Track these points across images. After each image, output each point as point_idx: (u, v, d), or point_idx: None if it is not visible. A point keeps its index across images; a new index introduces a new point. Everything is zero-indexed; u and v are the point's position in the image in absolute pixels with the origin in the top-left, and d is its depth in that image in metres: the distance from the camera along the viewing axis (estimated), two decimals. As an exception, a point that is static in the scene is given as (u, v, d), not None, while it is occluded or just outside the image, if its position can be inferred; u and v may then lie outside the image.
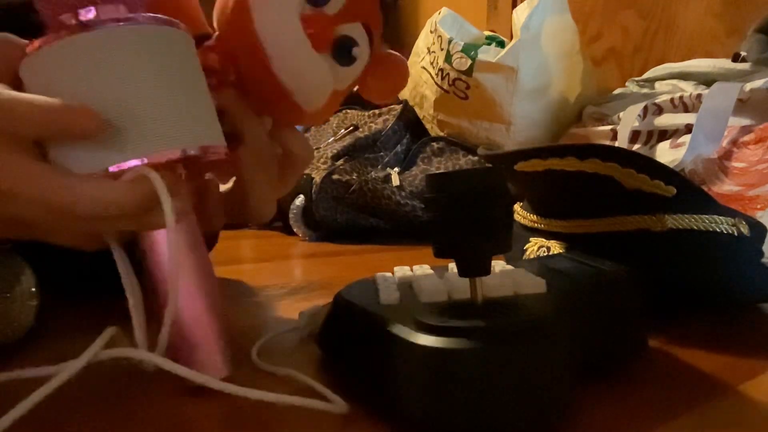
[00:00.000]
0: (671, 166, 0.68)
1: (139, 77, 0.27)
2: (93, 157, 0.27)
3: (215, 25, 0.35)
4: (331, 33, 0.34)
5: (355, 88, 0.38)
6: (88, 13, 0.27)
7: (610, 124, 0.90)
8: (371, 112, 1.12)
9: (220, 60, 0.34)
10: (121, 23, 0.27)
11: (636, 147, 0.82)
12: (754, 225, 0.39)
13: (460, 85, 0.98)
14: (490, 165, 0.49)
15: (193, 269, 0.30)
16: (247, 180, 0.35)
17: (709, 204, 0.38)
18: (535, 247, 0.45)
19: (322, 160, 0.99)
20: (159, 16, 0.29)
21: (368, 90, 0.38)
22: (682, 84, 0.90)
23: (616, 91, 1.00)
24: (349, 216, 0.95)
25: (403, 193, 0.92)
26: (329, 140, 1.09)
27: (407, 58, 1.14)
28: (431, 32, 1.05)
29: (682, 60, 0.96)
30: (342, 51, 0.34)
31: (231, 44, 0.34)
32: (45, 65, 0.27)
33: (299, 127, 0.41)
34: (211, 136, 0.29)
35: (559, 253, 0.41)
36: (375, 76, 0.38)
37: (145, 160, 0.27)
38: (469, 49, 0.96)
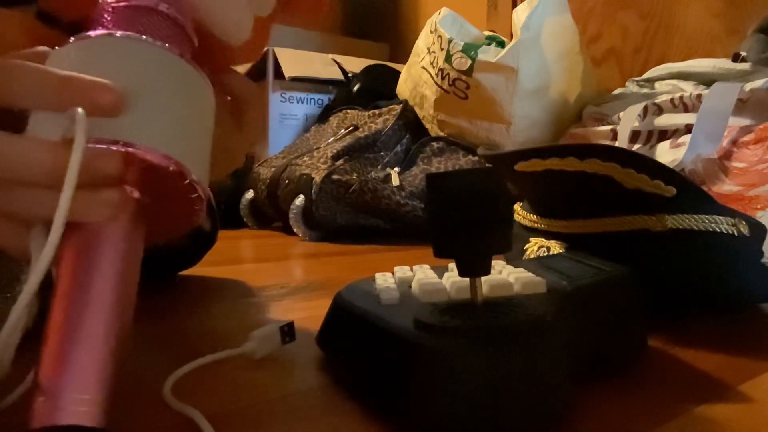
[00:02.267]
0: (671, 166, 0.68)
1: (150, 84, 0.27)
2: (60, 126, 0.25)
3: None
4: None
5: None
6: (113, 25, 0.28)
7: (610, 124, 0.90)
8: (371, 112, 1.12)
9: None
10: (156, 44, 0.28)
11: (636, 147, 0.82)
12: (754, 225, 0.39)
13: (460, 85, 0.98)
14: (489, 165, 0.49)
15: (106, 299, 0.24)
16: (219, 133, 0.34)
17: (709, 204, 0.38)
18: (535, 247, 0.45)
19: (322, 160, 0.99)
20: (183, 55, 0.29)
21: (290, 13, 0.37)
22: (682, 84, 0.91)
23: (616, 91, 1.00)
24: (349, 216, 0.96)
25: (403, 193, 0.92)
26: (329, 140, 1.09)
27: (407, 59, 1.14)
28: (431, 32, 1.05)
29: (682, 60, 0.96)
30: None
31: None
32: (65, 56, 0.27)
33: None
34: (196, 169, 0.28)
35: (559, 253, 0.41)
36: None
37: (122, 148, 0.25)
38: (469, 49, 0.96)
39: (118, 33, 0.28)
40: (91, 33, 0.28)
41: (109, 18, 0.29)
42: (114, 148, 0.25)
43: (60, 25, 0.33)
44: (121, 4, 0.29)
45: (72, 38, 0.28)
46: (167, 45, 0.28)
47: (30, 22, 0.32)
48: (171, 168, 0.26)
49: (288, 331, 0.35)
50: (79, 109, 0.24)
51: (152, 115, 0.27)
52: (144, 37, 0.28)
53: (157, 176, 0.27)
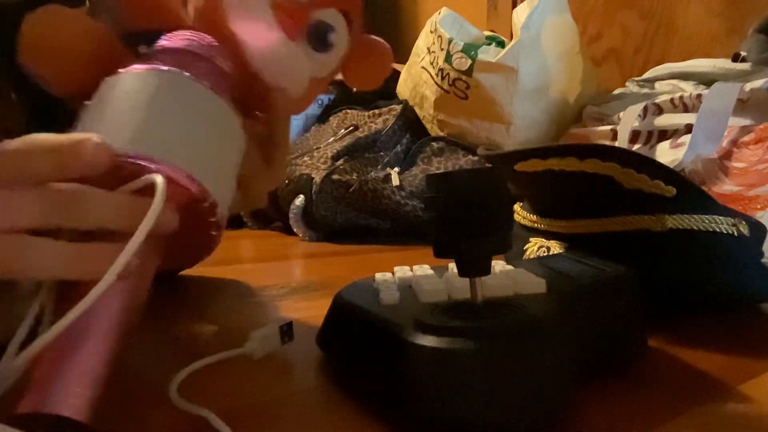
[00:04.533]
0: (671, 166, 0.68)
1: (180, 111, 0.29)
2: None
3: (192, 23, 0.35)
4: (305, 19, 0.34)
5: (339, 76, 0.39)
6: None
7: (610, 124, 0.90)
8: (371, 112, 1.12)
9: None
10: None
11: (636, 147, 0.82)
12: (754, 225, 0.39)
13: (460, 85, 0.98)
14: (490, 165, 0.49)
15: (112, 305, 0.25)
16: (247, 168, 0.35)
17: (709, 204, 0.38)
18: (535, 247, 0.45)
19: (322, 160, 0.99)
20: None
21: (352, 76, 0.38)
22: (682, 84, 0.90)
23: (616, 91, 1.00)
24: (349, 216, 0.95)
25: (403, 193, 0.92)
26: (329, 140, 1.09)
27: (407, 59, 1.14)
28: (431, 32, 1.05)
29: (682, 60, 0.96)
30: (317, 37, 0.34)
31: (214, 32, 0.34)
32: (115, 83, 0.30)
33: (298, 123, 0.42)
34: (216, 192, 0.29)
35: (559, 253, 0.41)
36: (358, 62, 0.37)
37: (152, 166, 0.26)
38: (469, 49, 0.96)
39: (164, 67, 0.30)
40: (137, 66, 0.30)
41: (160, 57, 0.32)
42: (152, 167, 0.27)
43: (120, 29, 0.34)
44: (171, 47, 0.32)
45: (121, 70, 0.30)
46: (207, 83, 0.31)
47: (95, 26, 0.32)
48: (193, 190, 0.28)
49: (287, 331, 0.35)
50: (159, 178, 0.25)
51: (179, 138, 0.28)
52: (184, 72, 0.30)
53: (181, 197, 0.28)
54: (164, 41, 0.33)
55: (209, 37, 0.33)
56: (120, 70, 0.30)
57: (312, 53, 0.34)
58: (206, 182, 0.28)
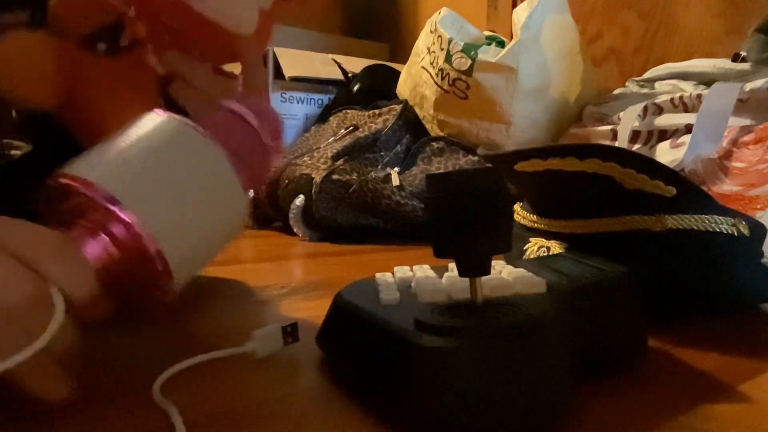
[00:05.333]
0: (671, 166, 0.68)
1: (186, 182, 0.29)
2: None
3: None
4: None
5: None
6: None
7: (610, 124, 0.90)
8: (371, 112, 1.12)
9: (148, 26, 0.34)
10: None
11: (636, 147, 0.82)
12: (754, 225, 0.39)
13: (460, 85, 0.98)
14: (490, 165, 0.49)
15: None
16: None
17: (709, 204, 0.38)
18: (535, 247, 0.45)
19: (322, 160, 0.99)
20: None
21: (290, 3, 0.39)
22: (682, 84, 0.90)
23: (616, 91, 1.00)
24: (349, 216, 0.95)
25: (403, 193, 0.92)
26: (329, 140, 1.09)
27: (407, 59, 1.14)
28: (431, 32, 1.05)
29: (682, 60, 0.96)
30: None
31: (150, 4, 0.34)
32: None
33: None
34: (180, 272, 0.29)
35: (559, 253, 0.41)
36: None
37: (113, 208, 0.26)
38: (469, 49, 0.96)
39: (181, 119, 0.30)
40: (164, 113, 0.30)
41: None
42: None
43: (73, 37, 0.34)
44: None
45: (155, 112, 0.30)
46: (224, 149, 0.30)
47: (53, 42, 0.34)
48: (150, 249, 0.27)
49: (291, 332, 0.34)
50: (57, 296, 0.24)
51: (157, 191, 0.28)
52: (166, 114, 0.30)
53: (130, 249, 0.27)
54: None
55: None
56: (152, 112, 0.31)
57: None
58: (169, 244, 0.27)
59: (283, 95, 1.31)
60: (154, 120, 0.30)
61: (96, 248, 0.26)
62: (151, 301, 0.30)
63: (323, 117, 1.27)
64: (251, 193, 1.09)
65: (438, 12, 1.06)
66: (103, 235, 0.26)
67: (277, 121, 0.33)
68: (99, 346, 0.36)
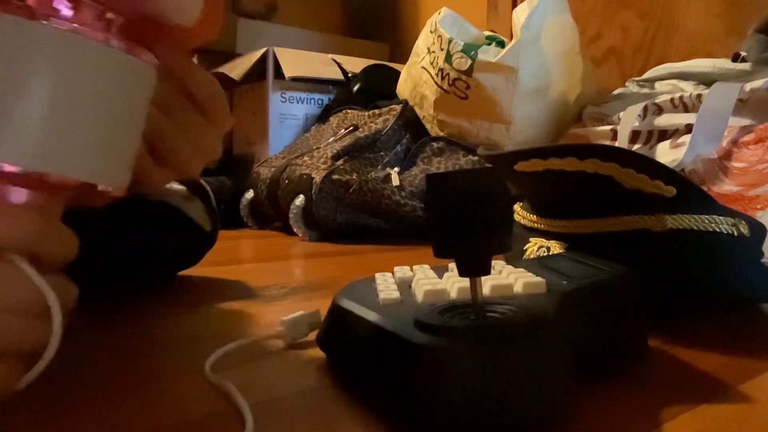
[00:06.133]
0: (671, 166, 0.68)
1: (63, 86, 0.24)
2: None
3: None
4: None
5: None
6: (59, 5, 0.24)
7: (610, 124, 0.90)
8: (371, 112, 1.12)
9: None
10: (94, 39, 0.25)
11: (636, 147, 0.82)
12: (754, 225, 0.39)
13: (460, 85, 0.98)
14: (490, 165, 0.49)
15: None
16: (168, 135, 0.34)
17: (709, 204, 0.38)
18: (535, 247, 0.45)
19: (322, 160, 0.99)
20: (129, 43, 0.26)
21: None
22: (682, 84, 0.91)
23: (616, 91, 1.00)
24: (349, 216, 0.96)
25: (403, 193, 0.92)
26: (329, 140, 1.09)
27: (407, 59, 1.14)
28: (431, 32, 1.05)
29: (682, 60, 0.96)
30: None
31: None
32: None
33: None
34: (108, 175, 0.27)
35: (559, 253, 0.41)
36: None
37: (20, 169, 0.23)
38: (469, 49, 0.96)
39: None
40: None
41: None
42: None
43: None
44: None
45: None
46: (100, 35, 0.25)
47: None
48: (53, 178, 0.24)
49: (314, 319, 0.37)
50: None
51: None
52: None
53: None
54: None
55: None
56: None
57: None
58: (72, 163, 0.25)
59: (283, 95, 1.31)
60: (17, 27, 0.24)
61: (19, 194, 0.25)
62: (102, 199, 0.29)
63: (323, 117, 1.27)
64: (251, 193, 1.09)
65: (438, 12, 1.06)
66: (20, 191, 0.25)
67: None
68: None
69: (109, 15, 0.26)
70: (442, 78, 1.00)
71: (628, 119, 0.83)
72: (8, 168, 0.24)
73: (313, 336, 0.36)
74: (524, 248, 0.47)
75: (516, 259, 0.44)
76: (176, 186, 0.54)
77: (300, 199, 0.94)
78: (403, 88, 1.15)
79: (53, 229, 0.26)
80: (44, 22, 0.24)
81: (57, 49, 0.24)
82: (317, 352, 0.34)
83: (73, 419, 0.26)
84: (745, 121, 0.71)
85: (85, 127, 0.25)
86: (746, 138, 0.69)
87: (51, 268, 0.26)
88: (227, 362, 0.33)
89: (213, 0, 0.33)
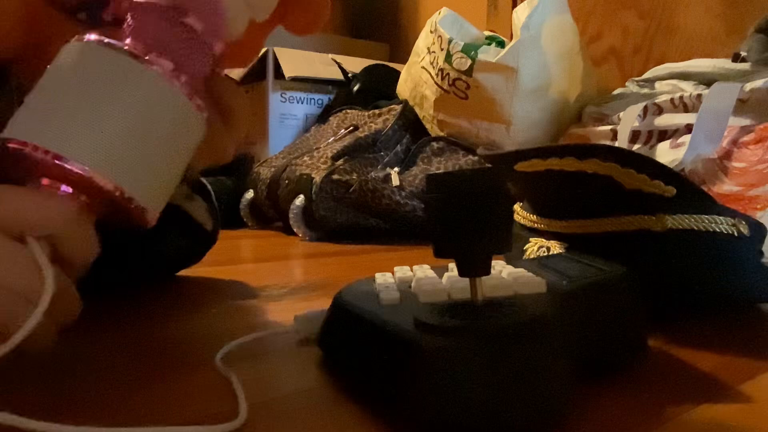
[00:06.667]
0: (671, 166, 0.68)
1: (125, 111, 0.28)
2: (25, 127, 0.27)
3: None
4: None
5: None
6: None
7: (610, 124, 0.90)
8: (371, 112, 1.12)
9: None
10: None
11: (636, 147, 0.82)
12: (754, 225, 0.39)
13: (460, 85, 0.98)
14: (490, 165, 0.49)
15: None
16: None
17: (709, 204, 0.38)
18: (535, 247, 0.45)
19: (322, 160, 0.99)
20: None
21: (289, 23, 0.37)
22: (682, 84, 0.91)
23: (616, 91, 1.00)
24: (349, 216, 0.96)
25: (403, 193, 0.92)
26: (329, 140, 1.09)
27: (407, 59, 1.14)
28: (431, 32, 1.05)
29: (682, 60, 0.96)
30: None
31: None
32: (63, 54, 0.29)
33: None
34: (152, 200, 0.29)
35: (559, 253, 0.41)
36: (294, 6, 0.36)
37: (74, 168, 0.26)
38: (469, 49, 0.96)
39: (92, 38, 0.28)
40: (87, 36, 0.29)
41: (129, 21, 0.30)
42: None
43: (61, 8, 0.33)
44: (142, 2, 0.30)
45: (75, 37, 0.29)
46: (158, 68, 0.29)
47: None
48: (108, 186, 0.27)
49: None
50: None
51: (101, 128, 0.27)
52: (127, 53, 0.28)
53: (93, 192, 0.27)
54: None
55: None
56: (72, 40, 0.29)
57: None
58: (129, 180, 0.28)
59: (283, 95, 1.31)
60: (80, 52, 0.29)
61: (68, 201, 0.27)
62: (135, 225, 0.30)
63: (323, 117, 1.27)
64: (251, 193, 1.09)
65: (438, 12, 1.06)
66: (66, 188, 0.27)
67: (216, 9, 0.31)
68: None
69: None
70: (442, 78, 1.00)
71: (628, 119, 0.83)
72: (75, 167, 0.26)
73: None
74: (524, 248, 0.47)
75: (516, 259, 0.44)
76: (177, 184, 0.54)
77: (300, 199, 0.94)
78: (403, 88, 1.15)
79: (80, 230, 0.27)
80: (151, 67, 0.28)
81: (149, 90, 0.28)
82: (312, 353, 0.35)
83: (82, 417, 0.26)
84: (745, 121, 0.71)
85: (150, 153, 0.29)
86: (746, 138, 0.69)
87: (67, 266, 0.26)
88: (233, 357, 0.33)
89: (255, 35, 0.34)
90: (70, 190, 0.27)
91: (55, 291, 0.25)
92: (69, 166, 0.26)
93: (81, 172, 0.26)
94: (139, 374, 0.32)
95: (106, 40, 0.28)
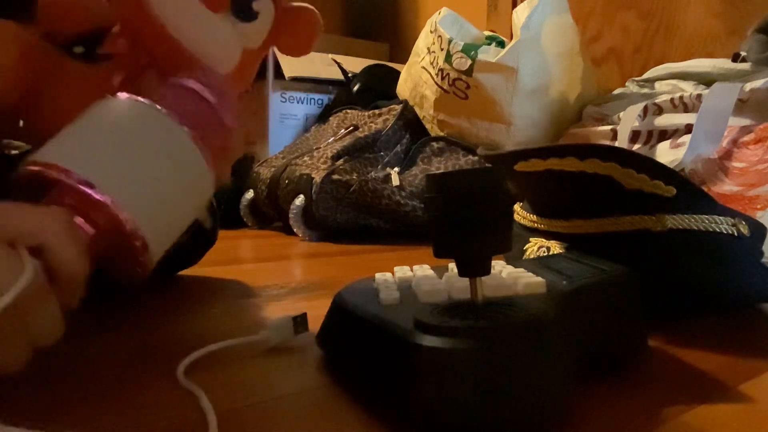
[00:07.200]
0: (671, 166, 0.68)
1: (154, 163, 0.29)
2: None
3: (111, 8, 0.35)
4: None
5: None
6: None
7: (610, 124, 0.90)
8: (371, 112, 1.12)
9: (129, 44, 0.34)
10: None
11: (636, 147, 0.82)
12: (754, 225, 0.39)
13: (460, 85, 0.98)
14: (489, 165, 0.49)
15: None
16: None
17: (709, 204, 0.38)
18: (535, 247, 0.45)
19: (322, 160, 0.99)
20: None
21: (282, 45, 0.39)
22: (682, 84, 0.90)
23: (616, 91, 1.00)
24: (349, 216, 0.95)
25: (403, 193, 0.92)
26: (329, 140, 1.09)
27: (407, 59, 1.14)
28: (431, 32, 1.05)
29: (682, 60, 0.96)
30: (240, 7, 0.34)
31: (131, 24, 0.34)
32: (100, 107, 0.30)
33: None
34: (157, 241, 0.30)
35: (559, 253, 0.41)
36: (285, 29, 0.38)
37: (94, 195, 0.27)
38: (469, 49, 0.96)
39: (146, 101, 0.30)
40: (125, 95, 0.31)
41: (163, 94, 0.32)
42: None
43: (57, 42, 0.34)
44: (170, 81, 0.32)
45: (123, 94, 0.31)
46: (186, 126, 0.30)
47: (25, 36, 0.33)
48: (128, 227, 0.28)
49: (301, 322, 0.36)
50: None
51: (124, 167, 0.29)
52: (161, 111, 0.30)
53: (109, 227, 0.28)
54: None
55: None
56: (110, 96, 0.31)
57: (238, 24, 0.34)
58: (144, 221, 0.28)
59: (283, 95, 1.31)
60: (116, 102, 0.30)
61: (61, 216, 0.27)
62: (128, 273, 0.31)
63: (323, 117, 1.27)
64: (251, 193, 1.09)
65: (438, 12, 1.06)
66: (79, 218, 0.27)
67: (234, 98, 0.33)
68: (108, 343, 0.36)
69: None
70: (442, 78, 1.00)
71: (628, 119, 0.83)
72: (99, 196, 0.27)
73: (300, 339, 0.36)
74: (524, 248, 0.47)
75: (516, 259, 0.44)
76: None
77: (300, 199, 0.94)
78: (403, 88, 1.15)
79: (71, 244, 0.26)
80: (182, 126, 0.30)
81: (180, 143, 0.30)
82: (312, 353, 0.35)
83: (76, 417, 0.26)
84: (745, 121, 0.71)
85: (168, 198, 0.30)
86: (746, 138, 0.69)
87: (58, 285, 0.26)
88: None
89: (250, 59, 0.36)
90: (80, 220, 0.28)
91: (30, 284, 0.24)
92: (96, 195, 0.27)
93: (105, 201, 0.27)
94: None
95: (139, 98, 0.30)
